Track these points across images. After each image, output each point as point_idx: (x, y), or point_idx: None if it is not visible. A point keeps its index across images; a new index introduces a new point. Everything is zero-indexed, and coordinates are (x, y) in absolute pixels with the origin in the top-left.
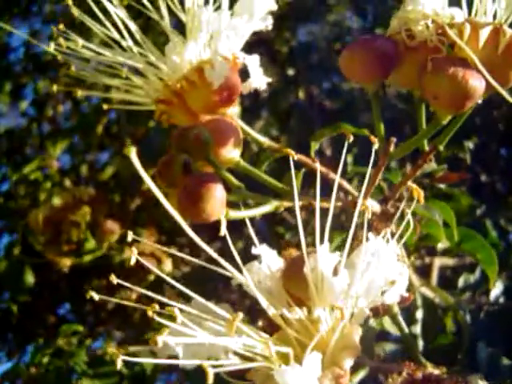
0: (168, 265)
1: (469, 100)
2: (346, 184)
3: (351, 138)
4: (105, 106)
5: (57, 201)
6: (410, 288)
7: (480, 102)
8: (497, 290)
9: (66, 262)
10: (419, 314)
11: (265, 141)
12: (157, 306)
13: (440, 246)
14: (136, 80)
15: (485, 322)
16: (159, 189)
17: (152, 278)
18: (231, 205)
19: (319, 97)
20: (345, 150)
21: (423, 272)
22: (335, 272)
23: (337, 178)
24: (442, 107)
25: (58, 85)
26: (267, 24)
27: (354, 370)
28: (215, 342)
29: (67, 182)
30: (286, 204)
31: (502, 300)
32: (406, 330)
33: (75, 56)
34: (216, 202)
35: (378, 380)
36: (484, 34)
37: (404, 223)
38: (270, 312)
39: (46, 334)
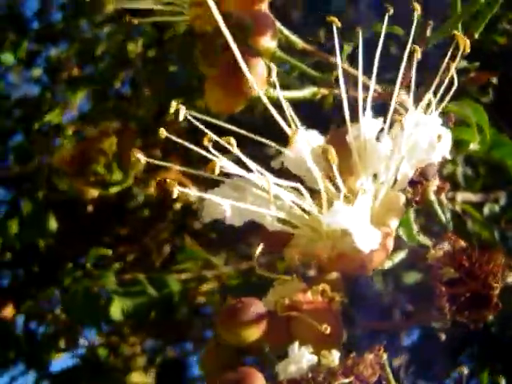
0: (195, 192)
1: None
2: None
3: None
4: (135, 21)
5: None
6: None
7: None
8: None
9: (94, 193)
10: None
11: (299, 42)
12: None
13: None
14: None
15: None
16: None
17: (178, 206)
18: None
19: None
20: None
21: None
22: (378, 138)
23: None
24: None
25: None
26: None
27: (394, 251)
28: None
29: (89, 129)
30: (324, 91)
31: None
32: (444, 219)
33: None
34: (258, 73)
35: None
36: None
37: (448, 77)
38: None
39: (71, 261)
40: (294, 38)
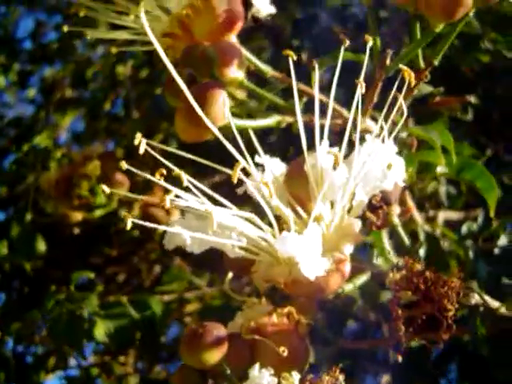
0: (177, 215)
1: (459, 7)
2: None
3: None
4: (113, 50)
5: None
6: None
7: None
8: (502, 241)
9: (78, 217)
10: (422, 252)
11: (268, 70)
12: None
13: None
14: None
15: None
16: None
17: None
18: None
19: None
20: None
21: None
22: (334, 167)
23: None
24: (435, 14)
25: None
26: None
27: (356, 274)
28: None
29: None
30: (288, 119)
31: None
32: (407, 242)
33: None
34: (220, 106)
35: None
36: None
37: (395, 109)
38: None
39: (56, 283)
40: (262, 66)
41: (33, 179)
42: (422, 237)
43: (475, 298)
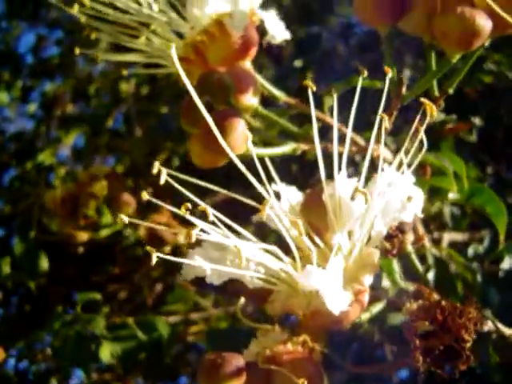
0: (183, 235)
1: (476, 38)
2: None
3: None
4: (124, 72)
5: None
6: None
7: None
8: (506, 263)
9: (83, 237)
10: (431, 275)
11: (281, 95)
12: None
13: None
14: (156, 40)
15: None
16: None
17: (168, 249)
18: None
19: None
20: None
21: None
22: (352, 197)
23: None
24: (451, 45)
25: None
26: None
27: (372, 302)
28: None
29: (80, 170)
30: (303, 147)
31: None
32: (421, 269)
33: (97, 17)
34: (238, 135)
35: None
36: None
37: (418, 139)
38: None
39: (61, 302)
40: (276, 92)
41: (36, 196)
42: (430, 260)
43: (488, 325)
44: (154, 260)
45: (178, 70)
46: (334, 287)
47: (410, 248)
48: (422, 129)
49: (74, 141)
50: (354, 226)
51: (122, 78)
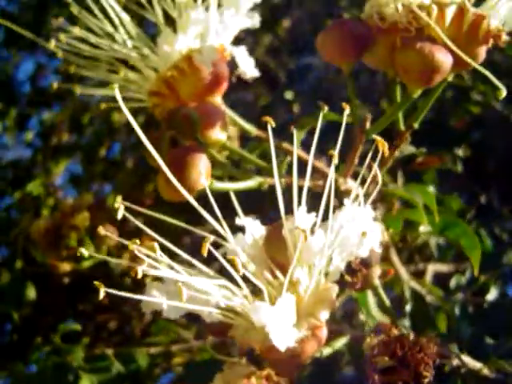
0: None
1: (436, 73)
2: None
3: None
4: (103, 106)
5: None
6: (397, 279)
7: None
8: (492, 295)
9: (66, 267)
10: (408, 308)
11: (253, 129)
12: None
13: (434, 251)
14: (130, 75)
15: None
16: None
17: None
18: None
19: None
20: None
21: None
22: (312, 232)
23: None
24: (412, 81)
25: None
26: (254, 22)
27: (335, 337)
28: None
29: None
30: (270, 181)
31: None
32: (388, 303)
33: (74, 52)
34: (200, 170)
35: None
36: (449, 13)
37: (370, 176)
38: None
39: (44, 333)
40: (247, 126)
41: (23, 226)
42: (407, 294)
43: (456, 360)
44: (102, 295)
45: (151, 105)
46: (282, 323)
47: (377, 282)
48: (375, 165)
49: (70, 167)
50: (312, 261)
51: (115, 108)
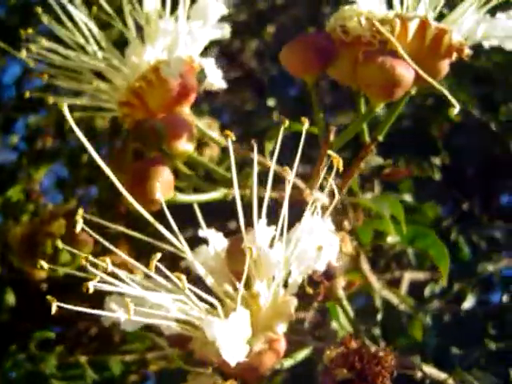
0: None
1: (397, 87)
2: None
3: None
4: (77, 114)
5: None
6: (370, 289)
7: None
8: (468, 303)
9: (42, 274)
10: (379, 317)
11: (222, 141)
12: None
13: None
14: (102, 85)
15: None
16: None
17: None
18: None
19: None
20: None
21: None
22: (271, 245)
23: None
24: (374, 95)
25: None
26: (225, 33)
27: (298, 349)
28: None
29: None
30: (233, 193)
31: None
32: (352, 314)
33: (45, 62)
34: (161, 182)
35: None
36: (412, 27)
37: (326, 189)
38: (214, 289)
39: (20, 340)
40: (216, 137)
41: (1, 233)
42: (377, 303)
43: (421, 371)
44: (54, 310)
45: (121, 115)
46: (232, 338)
47: (341, 293)
48: (331, 178)
49: (50, 174)
50: (270, 274)
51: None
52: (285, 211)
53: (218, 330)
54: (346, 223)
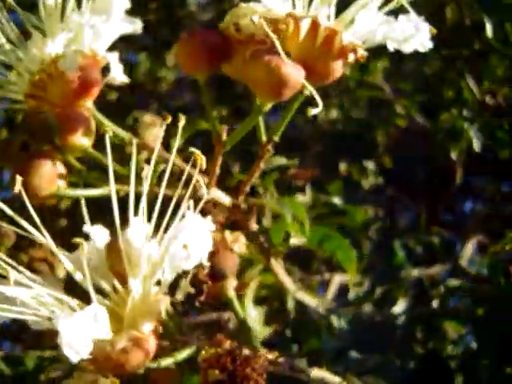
0: (61, 269)
1: (284, 87)
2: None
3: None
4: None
5: None
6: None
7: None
8: (398, 307)
9: None
10: (291, 318)
11: (129, 136)
12: None
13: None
14: (10, 76)
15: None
16: None
17: None
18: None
19: None
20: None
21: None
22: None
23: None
24: (262, 94)
25: None
26: (136, 28)
27: (180, 348)
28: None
29: None
30: (126, 189)
31: (403, 318)
32: (242, 315)
33: None
34: (42, 176)
35: None
36: (304, 27)
37: (192, 185)
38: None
39: None
40: (122, 132)
41: None
42: (290, 304)
43: (311, 375)
44: None
45: (28, 107)
46: (77, 334)
47: (231, 294)
48: (195, 174)
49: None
50: (142, 272)
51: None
52: (164, 208)
53: (62, 325)
54: (252, 224)
